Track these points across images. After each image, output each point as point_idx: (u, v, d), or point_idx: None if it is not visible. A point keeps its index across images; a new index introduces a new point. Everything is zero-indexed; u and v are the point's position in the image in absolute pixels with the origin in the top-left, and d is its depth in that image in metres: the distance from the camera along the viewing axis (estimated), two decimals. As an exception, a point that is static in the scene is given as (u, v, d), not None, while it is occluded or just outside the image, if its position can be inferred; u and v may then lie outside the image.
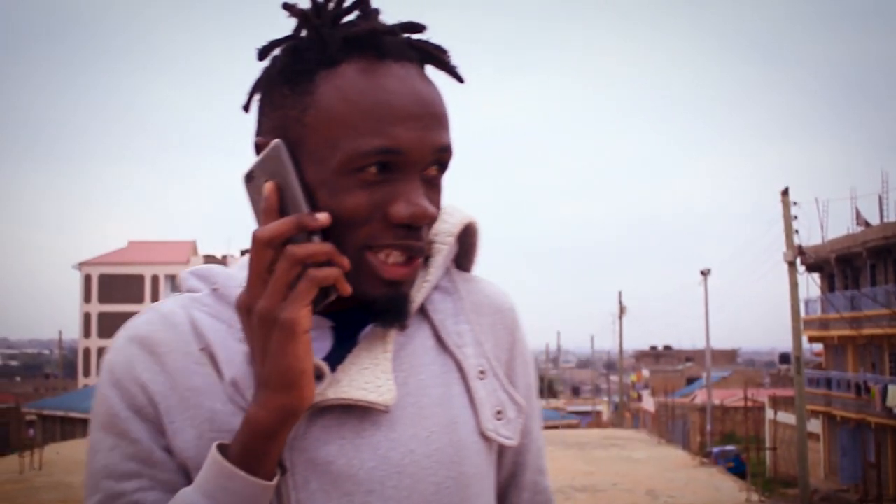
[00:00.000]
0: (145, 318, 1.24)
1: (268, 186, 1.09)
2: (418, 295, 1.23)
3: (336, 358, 1.18)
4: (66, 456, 25.08)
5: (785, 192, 25.11)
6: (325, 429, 1.15)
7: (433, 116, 1.13)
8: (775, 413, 34.55)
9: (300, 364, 1.06)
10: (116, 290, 72.76)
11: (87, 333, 72.92)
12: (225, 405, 1.15)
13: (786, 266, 24.96)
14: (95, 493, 1.17)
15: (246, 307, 1.07)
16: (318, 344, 1.19)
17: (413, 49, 1.16)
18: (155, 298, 73.05)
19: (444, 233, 1.26)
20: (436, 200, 1.16)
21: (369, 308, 1.16)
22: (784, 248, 24.97)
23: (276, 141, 1.11)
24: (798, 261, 25.35)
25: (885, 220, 35.41)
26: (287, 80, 1.14)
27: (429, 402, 1.20)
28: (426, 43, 1.18)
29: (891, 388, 30.90)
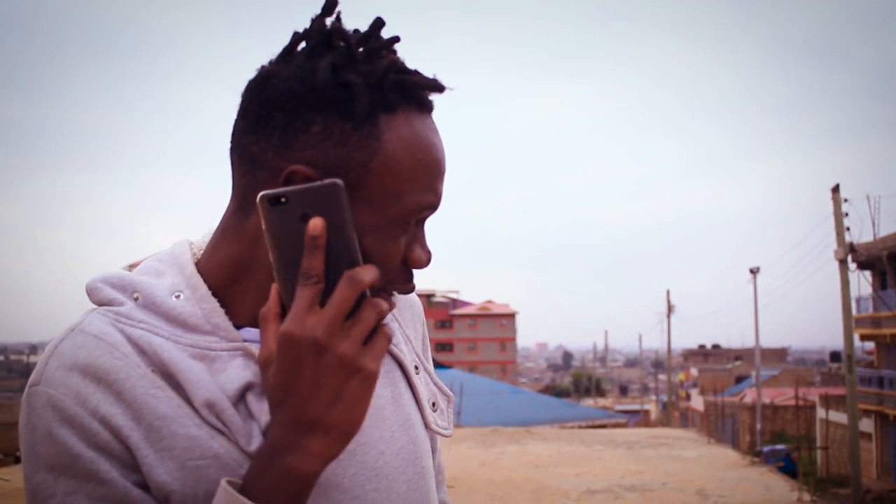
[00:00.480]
0: (75, 343, 1.11)
1: (318, 223, 1.03)
2: None
3: None
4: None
5: (836, 189, 24.80)
6: None
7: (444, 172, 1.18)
8: (826, 412, 34.16)
9: (364, 408, 1.03)
10: (166, 291, 73.29)
11: (137, 334, 73.42)
12: (200, 429, 1.09)
13: (836, 264, 24.65)
14: None
15: (318, 345, 1.00)
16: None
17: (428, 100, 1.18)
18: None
19: None
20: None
21: None
22: (835, 245, 24.67)
23: (338, 182, 1.04)
24: (849, 258, 25.03)
25: (938, 216, 34.79)
26: (346, 117, 1.09)
27: (384, 403, 1.25)
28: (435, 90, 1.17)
29: (945, 386, 30.40)
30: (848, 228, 24.80)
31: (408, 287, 1.19)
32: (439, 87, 1.15)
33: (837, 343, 31.66)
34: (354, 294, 1.01)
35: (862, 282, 34.48)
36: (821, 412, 38.41)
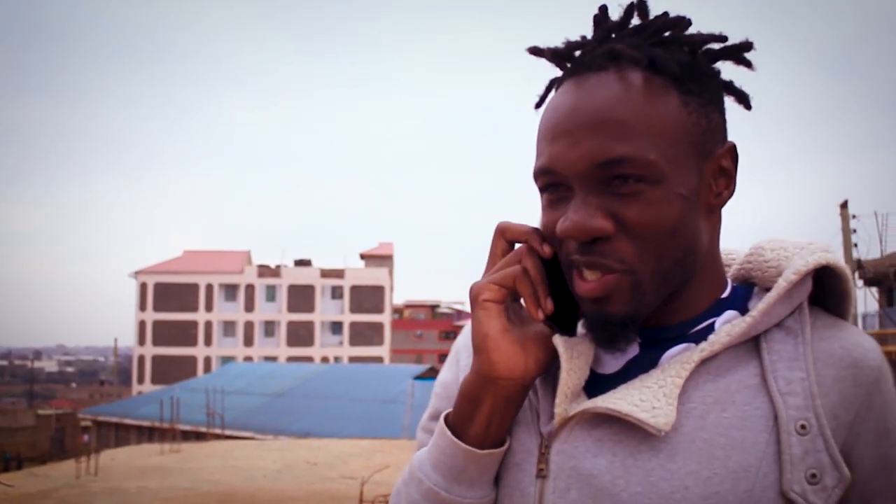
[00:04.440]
0: None
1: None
2: (732, 328, 1.13)
3: (630, 375, 1.15)
4: (121, 462, 25.32)
5: (844, 205, 24.77)
6: (598, 441, 1.11)
7: (589, 128, 1.09)
8: (832, 429, 33.85)
9: (482, 328, 1.13)
10: (171, 298, 73.59)
11: (141, 341, 73.74)
12: None
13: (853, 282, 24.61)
14: None
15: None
16: (615, 357, 1.19)
17: (621, 55, 1.12)
18: (209, 307, 73.89)
19: (792, 268, 1.15)
20: (629, 213, 1.09)
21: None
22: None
23: None
24: (856, 275, 24.97)
25: (946, 233, 34.72)
26: None
27: (724, 443, 1.09)
28: (631, 45, 1.13)
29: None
30: (855, 245, 24.78)
31: (583, 260, 1.10)
32: (587, 44, 1.19)
33: (843, 360, 31.41)
34: (499, 243, 1.18)
35: (869, 298, 34.35)
36: (826, 429, 38.10)
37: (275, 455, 26.62)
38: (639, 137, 1.08)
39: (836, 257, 1.17)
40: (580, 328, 1.20)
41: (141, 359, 73.76)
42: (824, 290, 1.19)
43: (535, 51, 1.22)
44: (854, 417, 1.11)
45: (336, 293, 75.80)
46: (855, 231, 24.86)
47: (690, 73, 1.13)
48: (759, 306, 1.14)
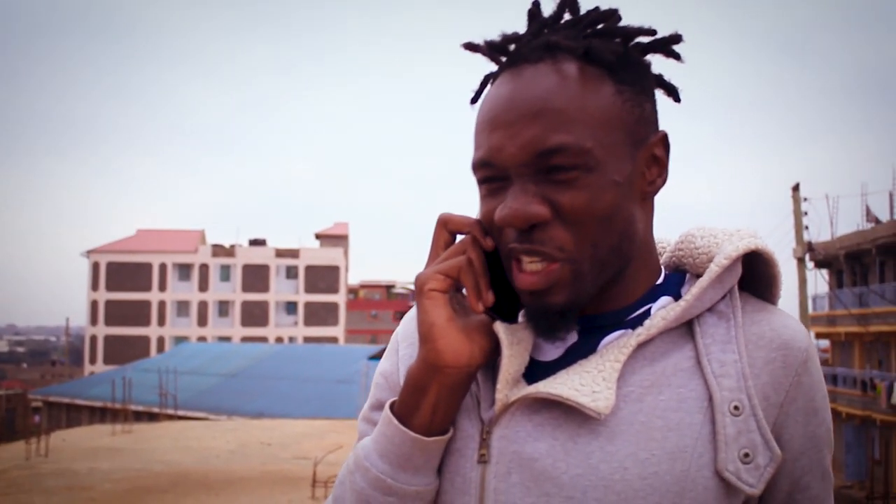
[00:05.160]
0: None
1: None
2: (667, 312, 1.16)
3: (570, 362, 1.17)
4: (72, 443, 25.14)
5: (796, 188, 25.05)
6: (538, 426, 1.13)
7: (527, 118, 1.10)
8: (781, 409, 34.34)
9: (428, 317, 1.14)
10: (124, 278, 72.97)
11: (94, 321, 73.13)
12: None
13: (794, 262, 24.91)
14: None
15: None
16: (554, 345, 1.20)
17: (557, 47, 1.14)
18: (163, 287, 73.38)
19: (723, 254, 1.17)
20: (564, 200, 1.10)
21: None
22: (793, 243, 24.91)
23: None
24: (807, 257, 25.30)
25: None
26: None
27: (661, 425, 1.11)
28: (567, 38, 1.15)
29: (898, 385, 30.82)
30: (807, 227, 25.10)
31: (522, 248, 1.11)
32: (526, 36, 1.20)
33: (794, 341, 31.88)
34: (441, 234, 1.18)
35: (819, 280, 34.86)
36: (776, 409, 38.65)
37: (228, 436, 26.56)
38: (575, 126, 1.10)
39: (765, 243, 1.20)
40: (521, 317, 1.21)
41: (93, 339, 73.17)
42: (753, 276, 1.22)
43: (471, 46, 1.22)
44: (784, 398, 1.15)
45: (291, 273, 75.59)
46: (806, 214, 25.18)
47: (624, 63, 1.15)
48: (692, 291, 1.17)
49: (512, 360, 1.15)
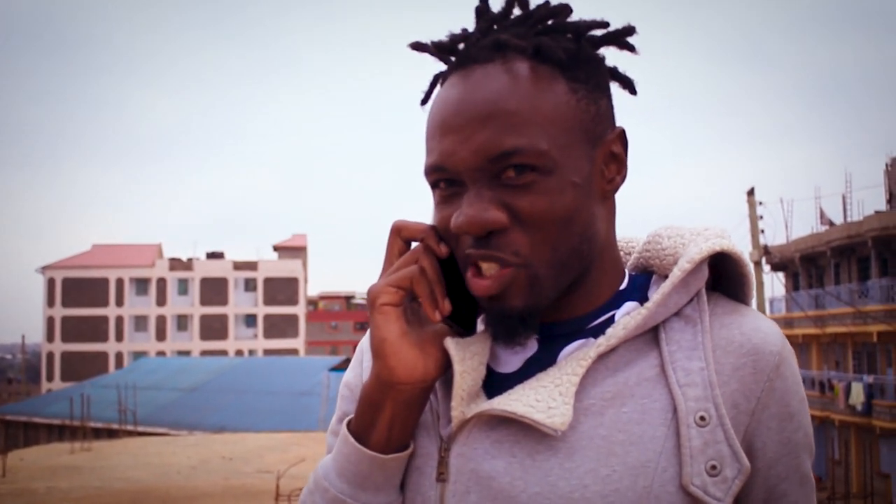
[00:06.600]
0: None
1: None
2: (629, 320, 1.12)
3: (529, 373, 1.14)
4: (30, 462, 24.78)
5: (751, 192, 25.28)
6: (496, 443, 1.10)
7: (478, 122, 1.07)
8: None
9: (380, 333, 1.11)
10: (81, 293, 72.26)
11: (50, 338, 72.31)
12: None
13: (751, 265, 25.15)
14: None
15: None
16: (513, 355, 1.17)
17: (506, 46, 1.11)
18: (120, 302, 72.70)
19: (686, 257, 1.14)
20: (522, 205, 1.07)
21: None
22: (749, 247, 25.13)
23: None
24: (763, 260, 25.54)
25: (849, 219, 35.78)
26: None
27: (623, 439, 1.07)
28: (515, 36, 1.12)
29: (854, 385, 31.21)
30: (762, 231, 25.33)
31: (477, 254, 1.08)
32: (476, 33, 1.17)
33: (752, 343, 32.23)
34: (395, 242, 1.15)
35: (776, 283, 35.23)
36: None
37: (189, 451, 26.32)
38: (529, 128, 1.07)
39: (731, 243, 1.17)
40: (479, 324, 1.19)
41: (50, 356, 72.32)
42: (724, 275, 1.19)
43: (418, 46, 1.19)
44: (756, 404, 1.10)
45: (249, 285, 75.20)
46: (762, 217, 25.42)
47: (576, 60, 1.12)
48: (654, 297, 1.13)
49: (465, 374, 1.12)
